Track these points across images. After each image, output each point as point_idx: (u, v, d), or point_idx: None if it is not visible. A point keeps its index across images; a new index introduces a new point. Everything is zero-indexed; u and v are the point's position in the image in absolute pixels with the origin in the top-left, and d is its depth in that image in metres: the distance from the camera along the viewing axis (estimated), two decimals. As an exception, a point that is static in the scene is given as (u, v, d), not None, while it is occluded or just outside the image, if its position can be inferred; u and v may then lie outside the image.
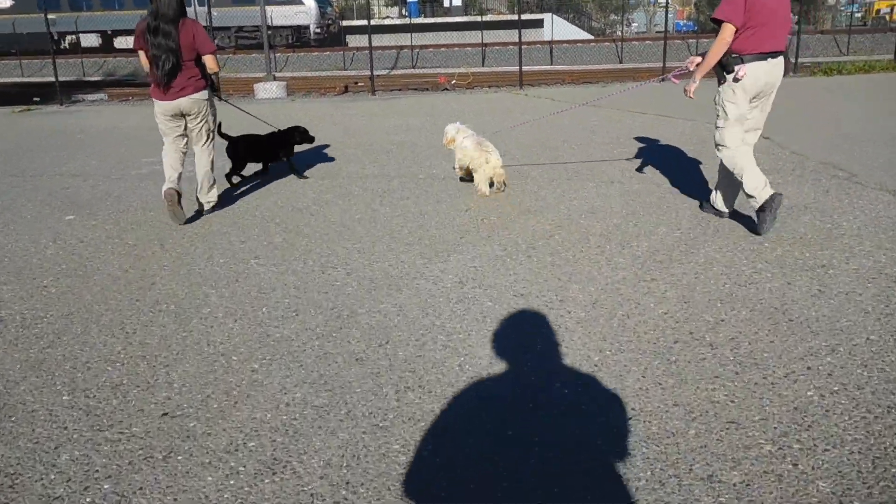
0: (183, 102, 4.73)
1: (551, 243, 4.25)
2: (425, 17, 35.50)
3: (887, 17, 41.79)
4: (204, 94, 4.81)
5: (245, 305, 3.47)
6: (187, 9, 4.91)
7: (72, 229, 4.96)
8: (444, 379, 2.69)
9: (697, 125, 8.15)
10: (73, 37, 29.68)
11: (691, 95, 4.20)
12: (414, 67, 26.25)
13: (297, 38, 29.66)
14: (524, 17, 33.85)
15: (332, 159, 7.14)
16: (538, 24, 31.20)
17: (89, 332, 3.24)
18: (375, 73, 14.83)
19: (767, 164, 6.12)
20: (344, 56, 26.21)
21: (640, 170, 6.06)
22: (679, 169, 6.09)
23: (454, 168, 6.28)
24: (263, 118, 6.49)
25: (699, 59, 4.18)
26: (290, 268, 3.99)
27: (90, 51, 28.33)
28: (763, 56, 3.98)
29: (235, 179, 6.08)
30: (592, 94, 12.76)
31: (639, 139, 7.46)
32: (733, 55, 3.99)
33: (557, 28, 29.10)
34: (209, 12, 15.28)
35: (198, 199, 5.20)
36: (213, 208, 5.22)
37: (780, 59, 4.08)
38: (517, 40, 28.57)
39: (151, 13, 4.57)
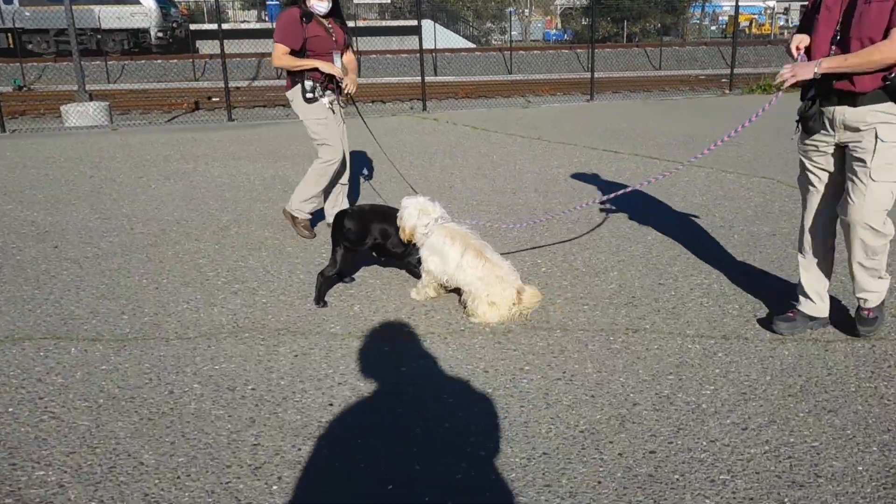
0: None
1: None
2: (289, 21, 31.54)
3: (746, 31, 43.31)
4: (290, 93, 4.26)
5: None
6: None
7: None
8: None
9: (713, 174, 5.56)
10: None
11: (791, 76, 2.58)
12: (279, 78, 22.55)
13: (134, 43, 24.88)
14: (399, 23, 31.09)
15: (145, 285, 3.78)
16: (415, 31, 28.50)
17: None
18: (236, 84, 11.36)
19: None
20: (194, 64, 21.98)
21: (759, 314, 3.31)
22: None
23: (418, 286, 3.35)
24: None
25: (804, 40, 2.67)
26: None
27: None
28: None
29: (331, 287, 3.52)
30: (519, 117, 10.04)
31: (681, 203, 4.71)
32: None
33: (437, 35, 26.48)
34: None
35: None
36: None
37: None
38: (393, 48, 25.94)
39: None
